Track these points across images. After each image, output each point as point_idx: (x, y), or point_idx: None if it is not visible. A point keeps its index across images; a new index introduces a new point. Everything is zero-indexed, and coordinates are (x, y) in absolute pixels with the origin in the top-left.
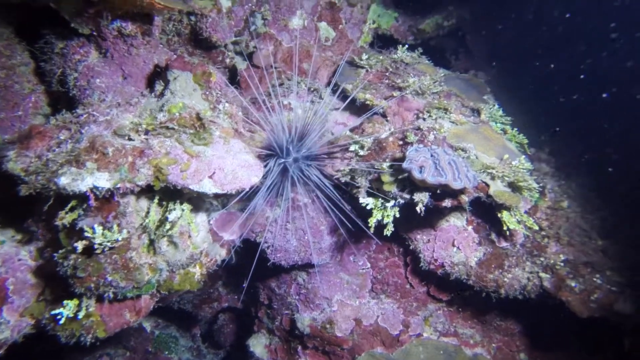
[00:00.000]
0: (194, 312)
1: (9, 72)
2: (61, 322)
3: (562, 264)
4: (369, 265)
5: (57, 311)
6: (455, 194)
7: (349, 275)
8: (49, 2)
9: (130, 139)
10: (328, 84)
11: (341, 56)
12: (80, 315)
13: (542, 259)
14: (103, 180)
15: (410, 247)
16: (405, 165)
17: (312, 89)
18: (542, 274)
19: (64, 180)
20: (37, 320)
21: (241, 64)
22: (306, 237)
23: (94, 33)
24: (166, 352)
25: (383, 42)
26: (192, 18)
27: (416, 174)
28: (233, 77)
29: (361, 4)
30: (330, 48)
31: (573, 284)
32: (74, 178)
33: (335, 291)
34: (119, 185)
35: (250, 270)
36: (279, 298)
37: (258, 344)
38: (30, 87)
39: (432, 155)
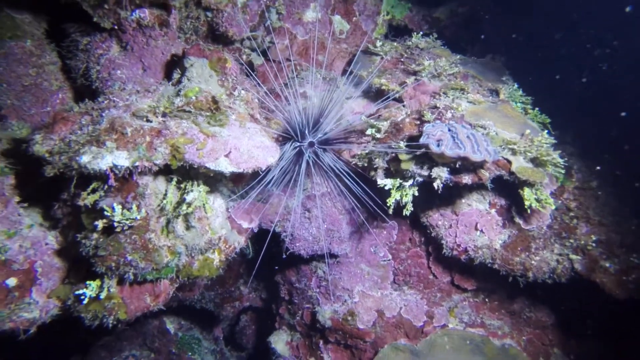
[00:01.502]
0: (215, 311)
1: (38, 71)
2: (84, 301)
3: (594, 245)
4: (390, 256)
5: (80, 291)
6: (474, 169)
7: (370, 267)
8: None
9: (148, 121)
10: (343, 73)
11: (356, 48)
12: (102, 295)
13: (571, 240)
14: (122, 159)
15: (432, 235)
16: (422, 140)
17: (327, 79)
18: (573, 256)
19: (84, 159)
20: (63, 302)
21: (257, 60)
22: (325, 226)
23: (115, 27)
24: (189, 354)
25: (397, 33)
26: (209, 14)
27: (434, 148)
28: (250, 72)
29: None
30: (345, 40)
31: (607, 265)
32: (94, 156)
33: (356, 282)
34: (137, 164)
35: (270, 264)
36: (299, 292)
37: (279, 341)
38: (57, 84)
39: (449, 130)
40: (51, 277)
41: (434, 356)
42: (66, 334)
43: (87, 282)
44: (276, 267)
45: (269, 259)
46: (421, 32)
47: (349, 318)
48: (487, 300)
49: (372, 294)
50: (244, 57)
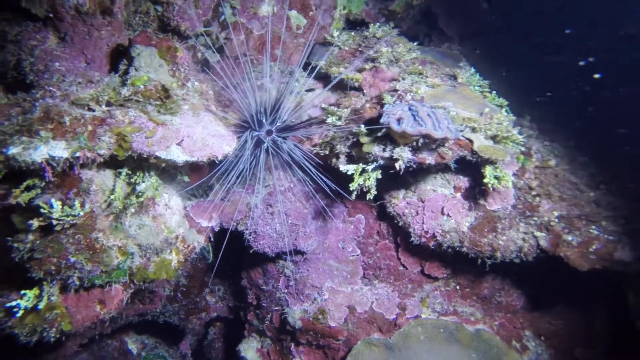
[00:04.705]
0: (181, 325)
1: None
2: (18, 314)
3: (556, 220)
4: (358, 251)
5: (12, 303)
6: (437, 147)
7: (339, 263)
8: None
9: (90, 110)
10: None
11: (314, 42)
12: (41, 305)
13: (535, 218)
14: (59, 149)
15: (399, 224)
16: (383, 119)
17: (285, 72)
18: (538, 233)
19: (13, 150)
20: None
21: (213, 57)
22: (290, 221)
23: (50, 15)
24: None
25: (355, 27)
26: (159, 8)
27: (394, 126)
28: (205, 70)
29: None
30: (302, 35)
31: (570, 238)
32: (25, 147)
33: (325, 279)
34: (78, 154)
35: (236, 269)
36: (267, 295)
37: (249, 349)
38: None
39: (410, 109)
40: None
41: (409, 347)
42: None
43: (22, 292)
44: (241, 272)
45: (234, 262)
46: (378, 24)
47: (320, 317)
48: (458, 288)
49: (342, 290)
50: (199, 55)
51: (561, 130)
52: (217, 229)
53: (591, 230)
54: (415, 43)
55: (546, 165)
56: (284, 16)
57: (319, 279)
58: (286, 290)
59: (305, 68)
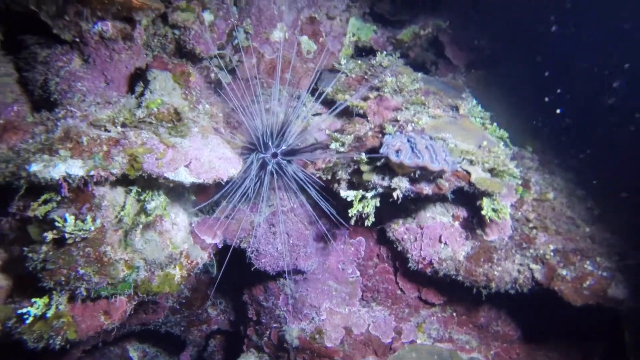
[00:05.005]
0: (182, 335)
1: None
2: (28, 321)
3: (552, 254)
4: (358, 273)
5: (23, 310)
6: (434, 179)
7: (338, 284)
8: (29, 4)
9: (106, 130)
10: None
11: (323, 67)
12: (50, 313)
13: (531, 250)
14: (76, 168)
15: (398, 249)
16: (382, 150)
17: (294, 96)
18: (533, 265)
19: (35, 167)
20: (2, 323)
21: (225, 78)
22: (291, 241)
23: (77, 39)
24: None
25: (363, 54)
26: (176, 32)
27: (393, 157)
28: (217, 90)
29: (340, 17)
30: (312, 60)
31: (564, 273)
32: (46, 165)
33: (324, 299)
34: (92, 173)
35: (238, 283)
36: (267, 311)
37: None
38: (13, 96)
39: (408, 140)
40: None
41: None
42: None
43: (33, 300)
44: (243, 287)
45: (236, 277)
46: (385, 52)
47: (317, 336)
48: (454, 314)
49: (340, 311)
50: (212, 75)
51: (561, 163)
52: (220, 246)
53: (586, 266)
54: (420, 74)
55: (544, 198)
56: (294, 42)
57: (318, 299)
58: (285, 308)
59: (313, 93)
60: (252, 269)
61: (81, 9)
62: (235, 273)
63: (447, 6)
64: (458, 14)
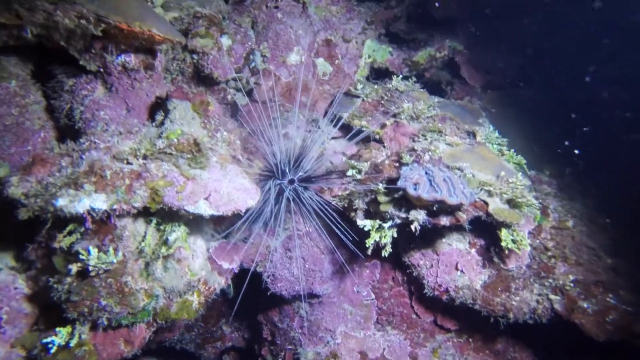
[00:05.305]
0: (196, 352)
1: (21, 110)
2: (52, 350)
3: (572, 285)
4: (373, 295)
5: (48, 339)
6: (452, 211)
7: (353, 307)
8: (59, 41)
9: (128, 163)
10: (326, 114)
11: (338, 89)
12: (73, 343)
13: (550, 280)
14: (100, 202)
15: (414, 274)
16: (400, 183)
17: (310, 120)
18: (552, 296)
19: (61, 202)
20: (28, 351)
21: (242, 100)
22: (307, 266)
23: (101, 69)
24: None
25: (379, 75)
26: (195, 57)
27: (411, 191)
28: (234, 113)
29: (356, 40)
30: (328, 82)
31: (585, 305)
32: (71, 199)
33: (339, 323)
34: (115, 207)
35: (253, 303)
36: (282, 333)
37: None
38: (40, 123)
39: (426, 173)
40: (17, 324)
41: None
42: None
43: (57, 329)
44: (258, 307)
45: (252, 298)
46: (401, 75)
47: None
48: (470, 340)
49: (355, 335)
50: (229, 97)
51: (581, 189)
52: (237, 271)
53: (608, 299)
54: (437, 98)
55: (563, 226)
56: (310, 64)
57: (333, 322)
58: (300, 330)
59: (329, 116)
60: (268, 293)
61: (107, 44)
62: (250, 293)
63: (463, 27)
64: (474, 34)
